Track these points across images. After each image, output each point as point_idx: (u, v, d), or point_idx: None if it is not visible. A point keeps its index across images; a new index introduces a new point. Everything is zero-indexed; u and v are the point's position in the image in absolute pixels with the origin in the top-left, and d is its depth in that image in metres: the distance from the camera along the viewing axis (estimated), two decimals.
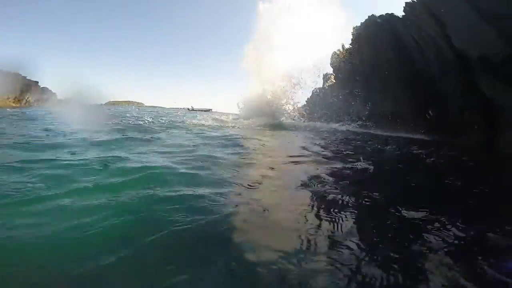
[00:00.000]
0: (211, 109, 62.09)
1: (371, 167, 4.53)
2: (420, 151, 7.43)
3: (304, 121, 20.08)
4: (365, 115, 17.94)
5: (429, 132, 12.03)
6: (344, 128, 16.64)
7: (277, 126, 13.75)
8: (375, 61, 16.09)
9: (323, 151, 6.05)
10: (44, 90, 32.73)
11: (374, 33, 16.21)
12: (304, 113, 21.53)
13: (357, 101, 18.80)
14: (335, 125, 17.25)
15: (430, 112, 12.46)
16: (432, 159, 5.74)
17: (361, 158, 5.25)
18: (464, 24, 9.96)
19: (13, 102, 30.12)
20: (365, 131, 15.39)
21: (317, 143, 7.65)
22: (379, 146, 8.13)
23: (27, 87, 30.43)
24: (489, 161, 6.77)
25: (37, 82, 30.72)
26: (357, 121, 18.23)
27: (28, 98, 31.71)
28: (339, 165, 4.56)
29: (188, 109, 61.14)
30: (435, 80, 11.88)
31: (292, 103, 19.57)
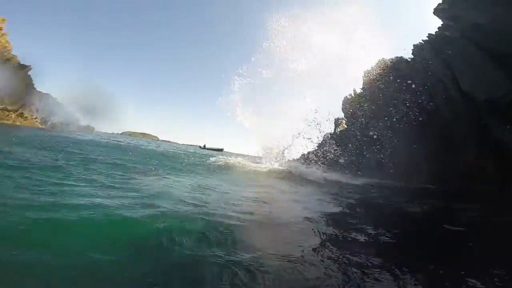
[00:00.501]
0: (223, 149, 62.90)
1: None
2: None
3: (319, 169, 19.55)
4: (378, 165, 17.49)
5: (445, 181, 11.38)
6: (359, 181, 14.95)
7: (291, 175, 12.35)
8: (385, 106, 16.03)
9: None
10: (68, 113, 34.84)
11: (384, 77, 16.25)
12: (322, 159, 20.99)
13: (369, 149, 18.54)
14: (349, 179, 15.68)
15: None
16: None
17: None
18: (471, 65, 9.87)
19: (40, 124, 31.85)
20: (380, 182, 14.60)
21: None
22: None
23: (54, 109, 32.52)
24: None
25: (63, 104, 33.00)
26: (371, 171, 17.68)
27: (53, 120, 33.57)
28: None
29: (200, 147, 62.27)
30: (446, 125, 11.61)
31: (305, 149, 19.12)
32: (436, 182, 11.79)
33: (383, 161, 17.17)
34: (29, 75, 27.46)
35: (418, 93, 13.48)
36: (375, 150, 17.96)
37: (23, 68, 25.74)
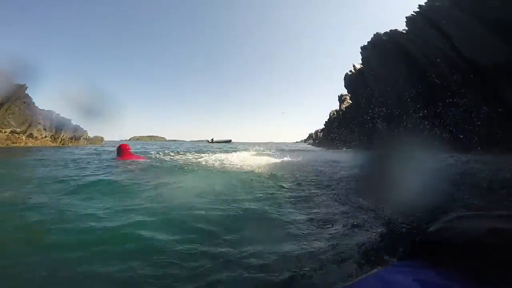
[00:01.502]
0: (231, 140, 63.28)
1: None
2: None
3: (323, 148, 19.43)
4: (388, 137, 17.20)
5: (460, 149, 11.13)
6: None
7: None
8: (388, 79, 15.81)
9: None
10: (77, 127, 35.22)
11: (382, 51, 16.20)
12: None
13: (377, 122, 18.18)
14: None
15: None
16: None
17: None
18: (468, 33, 9.92)
19: (51, 141, 32.47)
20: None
21: None
22: None
23: (61, 125, 32.85)
24: None
25: (70, 120, 33.34)
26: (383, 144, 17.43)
27: (63, 136, 34.07)
28: None
29: (208, 141, 62.89)
30: (455, 93, 11.35)
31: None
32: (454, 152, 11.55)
33: (393, 133, 16.87)
34: (27, 94, 27.54)
35: (419, 63, 13.15)
36: (384, 123, 17.64)
37: (20, 88, 25.82)
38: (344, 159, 9.25)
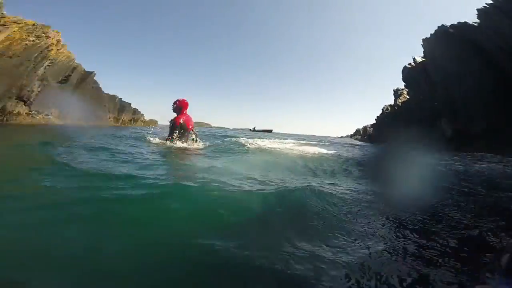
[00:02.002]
0: (272, 130, 63.32)
1: None
2: None
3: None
4: (452, 135, 15.34)
5: None
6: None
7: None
8: (457, 75, 14.02)
9: None
10: (135, 111, 38.88)
11: (449, 44, 14.61)
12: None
13: (440, 120, 16.28)
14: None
15: None
16: None
17: None
18: None
19: (114, 122, 36.48)
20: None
21: None
22: None
23: (122, 108, 36.65)
24: None
25: (130, 103, 36.91)
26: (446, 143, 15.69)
27: (123, 118, 37.98)
28: None
29: (250, 129, 63.91)
30: None
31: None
32: None
33: (457, 131, 15.01)
34: (96, 80, 30.53)
35: (493, 58, 11.48)
36: (447, 120, 15.77)
37: (89, 74, 28.64)
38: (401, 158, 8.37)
